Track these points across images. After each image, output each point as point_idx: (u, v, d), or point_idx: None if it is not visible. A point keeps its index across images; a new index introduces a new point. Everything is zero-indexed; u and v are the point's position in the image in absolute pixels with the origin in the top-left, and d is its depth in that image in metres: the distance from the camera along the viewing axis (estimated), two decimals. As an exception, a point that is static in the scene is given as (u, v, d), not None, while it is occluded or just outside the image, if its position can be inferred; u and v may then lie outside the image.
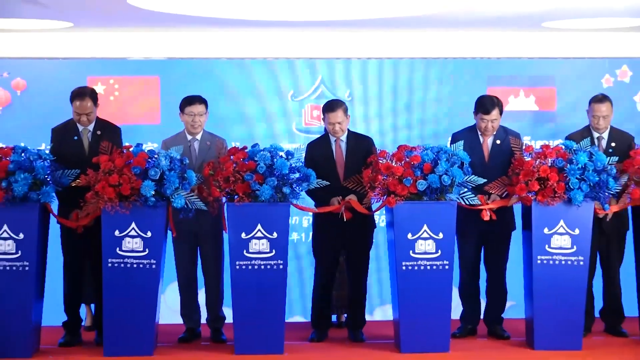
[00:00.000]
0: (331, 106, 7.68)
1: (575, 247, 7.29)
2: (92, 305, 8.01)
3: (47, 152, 7.35)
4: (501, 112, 7.73)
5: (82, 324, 7.83)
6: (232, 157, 7.23)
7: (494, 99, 7.75)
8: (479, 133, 7.74)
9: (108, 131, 7.60)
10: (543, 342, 7.33)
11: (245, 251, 7.20)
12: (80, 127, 7.54)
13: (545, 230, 7.29)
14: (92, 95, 7.57)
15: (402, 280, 7.23)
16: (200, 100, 7.68)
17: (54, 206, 7.38)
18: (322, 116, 7.79)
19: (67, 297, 7.64)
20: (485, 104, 7.67)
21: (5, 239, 7.10)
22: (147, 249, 7.13)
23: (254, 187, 7.10)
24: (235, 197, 7.18)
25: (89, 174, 7.08)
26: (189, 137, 7.68)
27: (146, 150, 7.15)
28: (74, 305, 7.66)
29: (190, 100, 7.67)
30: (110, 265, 7.12)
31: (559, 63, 9.19)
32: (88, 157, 7.35)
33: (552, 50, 9.30)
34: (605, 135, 7.78)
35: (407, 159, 7.20)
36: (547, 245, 7.29)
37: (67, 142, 7.49)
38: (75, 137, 7.53)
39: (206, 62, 9.03)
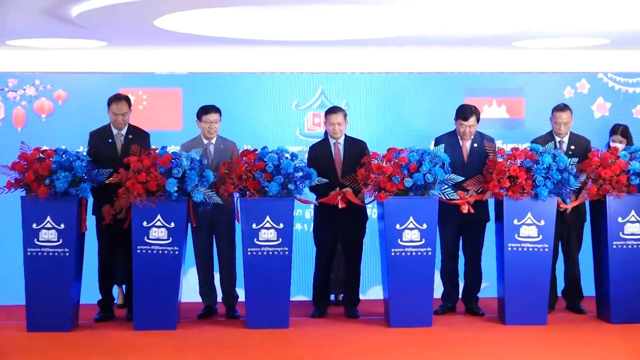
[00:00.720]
0: (334, 109, 7.76)
1: (541, 236, 7.32)
2: (124, 286, 8.03)
3: (85, 154, 7.39)
4: (478, 120, 7.77)
5: (115, 302, 7.88)
6: (244, 158, 7.26)
7: (472, 107, 7.79)
8: (459, 137, 7.77)
9: (138, 136, 7.63)
10: (513, 318, 7.37)
11: (255, 239, 7.23)
12: (115, 131, 7.59)
13: (515, 222, 7.31)
14: (127, 100, 7.66)
15: (391, 264, 7.27)
16: (215, 109, 7.71)
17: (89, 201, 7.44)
18: (324, 119, 7.82)
19: (100, 279, 7.68)
20: (465, 112, 7.72)
21: (48, 228, 7.15)
22: (170, 238, 7.16)
23: (263, 184, 7.15)
24: (247, 192, 7.23)
25: (121, 173, 7.11)
26: (205, 141, 7.71)
27: (170, 152, 7.18)
28: (107, 285, 7.70)
29: (206, 110, 7.70)
30: (139, 251, 7.16)
31: (527, 77, 9.19)
32: (120, 157, 7.38)
33: (521, 66, 9.29)
34: (566, 139, 7.82)
35: (396, 160, 7.23)
36: (516, 235, 7.32)
37: (102, 144, 7.54)
38: (110, 140, 7.57)
39: (222, 76, 9.03)
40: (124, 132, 7.60)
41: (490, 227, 7.78)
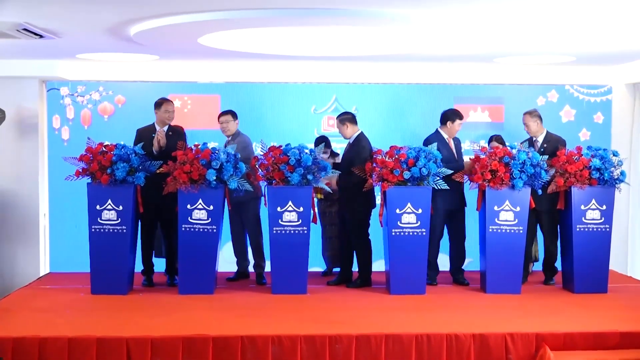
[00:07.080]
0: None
1: (516, 220, 7.26)
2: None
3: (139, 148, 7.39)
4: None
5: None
6: (271, 153, 7.24)
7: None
8: (445, 137, 7.68)
9: (176, 132, 7.65)
10: (492, 288, 7.32)
11: (280, 220, 7.20)
12: (158, 128, 7.58)
13: (495, 208, 7.26)
14: (172, 101, 7.72)
15: (392, 242, 7.23)
16: (225, 112, 7.74)
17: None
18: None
19: (143, 252, 7.63)
20: (460, 113, 7.71)
21: (109, 210, 7.14)
22: (210, 218, 7.14)
23: (287, 174, 7.13)
24: (273, 181, 7.21)
25: (169, 164, 7.12)
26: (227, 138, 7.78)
27: (210, 148, 7.17)
28: (148, 257, 7.66)
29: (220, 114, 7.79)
30: (183, 229, 7.15)
31: (506, 88, 9.16)
32: (163, 150, 7.42)
33: (501, 78, 9.26)
34: (540, 138, 7.73)
35: (396, 156, 7.19)
36: (496, 219, 7.27)
37: (147, 139, 7.50)
38: (153, 135, 7.56)
39: (254, 85, 9.04)
40: (165, 129, 7.59)
41: (473, 212, 7.69)
